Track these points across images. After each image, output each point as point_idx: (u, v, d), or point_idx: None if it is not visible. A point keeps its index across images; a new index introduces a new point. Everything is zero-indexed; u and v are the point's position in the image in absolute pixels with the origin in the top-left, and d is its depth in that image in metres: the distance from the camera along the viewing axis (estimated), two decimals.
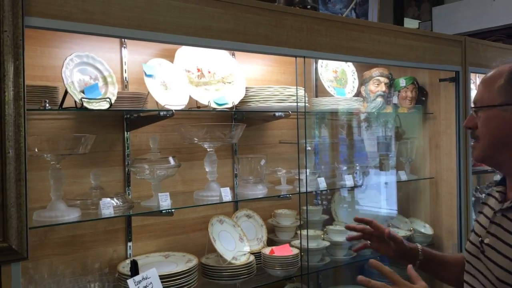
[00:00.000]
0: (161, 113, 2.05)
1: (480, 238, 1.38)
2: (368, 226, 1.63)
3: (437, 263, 1.61)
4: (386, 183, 3.13)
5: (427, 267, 1.60)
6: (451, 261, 1.64)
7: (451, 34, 3.24)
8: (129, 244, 2.30)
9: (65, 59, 1.89)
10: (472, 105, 1.38)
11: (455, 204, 2.90)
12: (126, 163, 2.28)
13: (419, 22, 5.86)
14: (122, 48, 2.27)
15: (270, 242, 2.65)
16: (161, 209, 2.04)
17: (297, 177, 2.61)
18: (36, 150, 1.82)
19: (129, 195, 2.28)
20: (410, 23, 5.81)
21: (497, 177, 1.61)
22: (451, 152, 2.95)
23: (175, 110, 2.09)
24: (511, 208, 1.31)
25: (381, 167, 3.08)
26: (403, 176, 3.02)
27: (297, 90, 2.36)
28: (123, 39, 2.25)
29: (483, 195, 1.61)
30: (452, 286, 1.65)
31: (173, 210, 2.04)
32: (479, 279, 1.36)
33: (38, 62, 2.06)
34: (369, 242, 1.64)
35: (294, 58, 2.26)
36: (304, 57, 2.23)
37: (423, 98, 3.09)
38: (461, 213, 2.88)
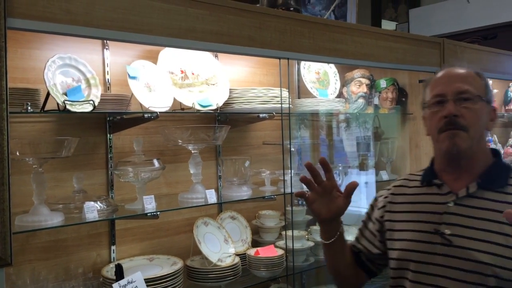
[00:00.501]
0: (146, 115, 2.03)
1: (432, 234, 1.39)
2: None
3: (344, 244, 1.58)
4: (366, 183, 3.16)
5: (336, 244, 1.54)
6: (349, 250, 1.64)
7: (428, 36, 3.30)
8: (113, 247, 2.27)
9: (47, 61, 1.86)
10: (461, 95, 1.37)
11: None
12: (109, 165, 2.26)
13: (396, 24, 5.96)
14: (104, 50, 2.25)
15: (255, 243, 2.65)
16: (146, 212, 2.02)
17: (281, 178, 2.63)
18: (18, 153, 1.78)
19: (112, 198, 2.25)
20: (388, 25, 5.91)
21: (401, 177, 1.62)
22: (430, 152, 2.98)
23: (159, 112, 2.07)
24: (465, 197, 1.39)
25: (362, 167, 3.11)
26: (385, 176, 3.06)
27: (281, 92, 2.38)
28: (105, 41, 2.23)
29: (386, 193, 1.61)
30: (336, 274, 1.65)
31: (158, 213, 2.02)
32: (445, 274, 1.35)
33: (18, 64, 2.02)
34: (308, 192, 1.47)
35: (277, 59, 2.27)
36: (288, 58, 2.24)
37: (403, 99, 3.14)
38: None
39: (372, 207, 1.65)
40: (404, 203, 1.52)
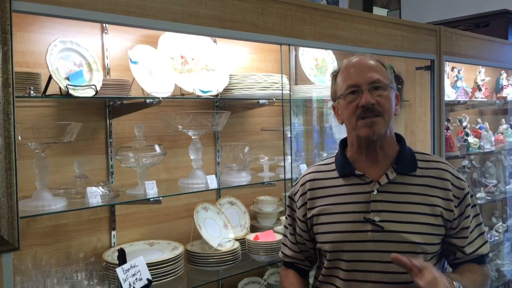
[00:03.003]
0: (148, 100, 2.03)
1: (362, 222, 1.45)
2: None
3: None
4: None
5: None
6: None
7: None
8: (113, 232, 2.28)
9: (49, 45, 1.83)
10: (374, 84, 1.45)
11: None
12: (109, 151, 2.25)
13: (387, 11, 5.97)
14: (104, 34, 2.22)
15: (253, 229, 2.67)
16: (148, 197, 2.02)
17: (279, 164, 2.65)
18: (20, 138, 1.77)
19: (112, 183, 2.25)
20: (379, 12, 5.91)
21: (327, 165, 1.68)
22: (426, 139, 3.04)
23: (161, 98, 2.06)
24: (386, 184, 1.47)
25: None
26: None
27: (282, 78, 2.38)
28: (104, 25, 2.20)
29: (302, 190, 1.64)
30: None
31: (161, 198, 2.03)
32: (378, 259, 1.43)
33: (17, 48, 1.96)
34: None
35: (277, 45, 2.27)
36: (289, 44, 2.25)
37: (399, 86, 3.17)
38: None
39: (290, 208, 1.67)
40: (326, 197, 1.55)
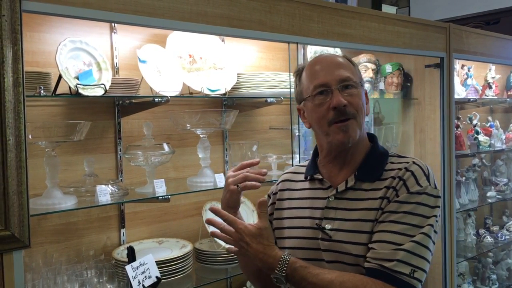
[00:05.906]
0: (156, 99, 2.04)
1: (315, 229, 1.34)
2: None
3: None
4: None
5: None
6: None
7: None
8: (122, 230, 2.29)
9: (59, 44, 1.85)
10: (344, 83, 1.32)
11: (439, 187, 2.98)
12: (118, 150, 2.27)
13: (396, 9, 5.94)
14: (112, 34, 2.24)
15: None
16: (157, 195, 2.03)
17: (287, 163, 2.65)
18: (30, 137, 1.79)
19: (121, 182, 2.26)
20: (388, 10, 5.88)
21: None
22: (435, 137, 3.03)
23: (170, 97, 2.08)
24: (344, 191, 1.34)
25: None
26: None
27: (290, 76, 2.38)
28: (113, 24, 2.22)
29: (275, 189, 1.57)
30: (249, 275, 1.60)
31: (169, 197, 2.04)
32: (334, 268, 1.30)
33: (27, 48, 2.00)
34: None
35: (285, 43, 2.27)
36: (297, 43, 2.25)
37: (408, 84, 3.16)
38: (445, 195, 2.97)
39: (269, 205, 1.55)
40: (290, 199, 1.47)
